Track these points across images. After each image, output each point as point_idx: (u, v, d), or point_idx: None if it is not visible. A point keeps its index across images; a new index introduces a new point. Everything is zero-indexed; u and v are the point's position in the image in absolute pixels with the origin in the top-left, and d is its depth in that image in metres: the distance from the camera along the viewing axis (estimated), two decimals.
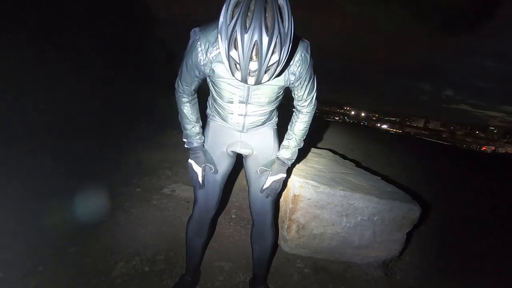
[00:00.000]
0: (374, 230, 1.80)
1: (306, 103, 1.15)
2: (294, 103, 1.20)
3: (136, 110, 4.89)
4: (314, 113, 1.21)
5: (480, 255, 2.34)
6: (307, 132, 1.23)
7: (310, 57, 1.04)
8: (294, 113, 1.22)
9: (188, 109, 1.17)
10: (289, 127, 1.24)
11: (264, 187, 1.21)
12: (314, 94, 1.15)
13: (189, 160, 1.22)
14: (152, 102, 5.31)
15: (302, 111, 1.18)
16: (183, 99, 1.15)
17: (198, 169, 1.21)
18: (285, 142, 1.23)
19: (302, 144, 1.23)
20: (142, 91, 5.71)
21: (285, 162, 1.21)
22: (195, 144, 1.20)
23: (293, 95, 1.16)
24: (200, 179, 1.21)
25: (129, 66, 5.89)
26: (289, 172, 1.84)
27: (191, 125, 1.19)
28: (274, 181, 1.20)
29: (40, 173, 2.34)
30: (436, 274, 1.99)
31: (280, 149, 1.23)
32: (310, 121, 1.21)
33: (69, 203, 1.98)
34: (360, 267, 1.86)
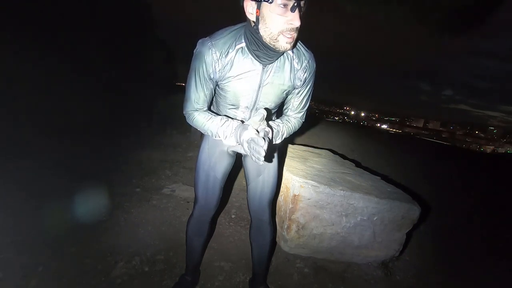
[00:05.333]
0: (373, 230, 1.81)
1: (299, 115, 1.18)
2: (285, 112, 1.19)
3: (136, 110, 4.89)
4: (312, 108, 1.19)
5: (480, 255, 2.34)
6: (290, 133, 1.17)
7: (315, 66, 1.08)
8: (282, 117, 1.21)
9: (201, 115, 1.08)
10: (277, 121, 1.17)
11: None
12: (306, 108, 1.18)
13: (244, 138, 0.95)
14: (152, 102, 5.31)
15: (291, 117, 1.18)
16: (194, 113, 1.08)
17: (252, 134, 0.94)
18: (274, 125, 1.11)
19: (282, 138, 1.15)
20: (142, 91, 5.71)
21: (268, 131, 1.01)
22: (234, 124, 1.03)
23: (286, 106, 1.17)
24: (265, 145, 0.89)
25: (129, 66, 5.89)
26: (281, 167, 1.85)
27: (212, 120, 1.05)
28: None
29: (40, 173, 2.34)
30: (435, 274, 1.99)
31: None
32: (296, 128, 1.19)
33: (69, 203, 1.98)
34: (359, 267, 1.86)
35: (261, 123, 0.98)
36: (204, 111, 1.09)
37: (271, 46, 0.92)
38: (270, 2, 0.85)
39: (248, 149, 0.94)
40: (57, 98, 3.99)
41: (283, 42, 0.90)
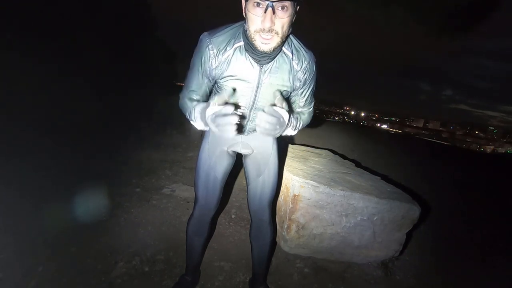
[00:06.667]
0: (373, 230, 1.81)
1: (309, 111, 1.20)
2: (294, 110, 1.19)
3: (136, 110, 4.89)
4: (313, 115, 1.24)
5: (480, 255, 2.34)
6: (305, 124, 1.18)
7: (316, 67, 1.07)
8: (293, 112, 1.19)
9: (190, 100, 1.07)
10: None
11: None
12: (311, 106, 1.19)
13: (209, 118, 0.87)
14: (152, 102, 5.31)
15: (301, 112, 1.19)
16: (185, 98, 1.08)
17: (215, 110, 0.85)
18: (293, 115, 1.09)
19: (299, 127, 1.12)
20: (142, 91, 5.71)
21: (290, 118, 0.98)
22: (202, 105, 0.97)
23: (291, 105, 1.18)
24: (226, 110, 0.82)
25: (129, 66, 5.89)
26: (282, 167, 1.86)
27: (193, 103, 1.05)
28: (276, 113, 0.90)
29: (40, 173, 2.34)
30: (435, 274, 2.00)
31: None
32: (308, 120, 1.22)
33: (69, 203, 1.98)
34: (359, 267, 1.86)
35: (230, 101, 0.88)
36: (195, 99, 1.09)
37: (252, 45, 0.91)
38: (246, 0, 0.86)
39: (215, 126, 0.85)
40: (57, 98, 3.99)
41: (259, 42, 0.89)
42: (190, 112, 1.02)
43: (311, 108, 1.21)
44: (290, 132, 1.06)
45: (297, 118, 1.08)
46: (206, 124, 0.94)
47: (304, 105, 1.16)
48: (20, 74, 3.84)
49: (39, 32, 4.30)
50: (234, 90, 1.04)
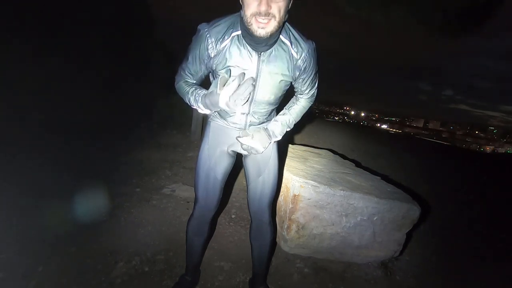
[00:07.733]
0: (374, 230, 1.81)
1: (307, 96, 1.22)
2: (295, 95, 1.25)
3: (136, 110, 4.89)
4: (312, 108, 1.30)
5: (480, 255, 2.34)
6: (300, 117, 1.24)
7: (315, 55, 1.08)
8: (293, 98, 1.26)
9: (186, 83, 1.11)
10: (285, 107, 1.25)
11: (241, 141, 1.10)
12: (314, 90, 1.22)
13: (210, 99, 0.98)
14: (152, 102, 5.31)
15: (301, 98, 1.23)
16: (181, 81, 1.12)
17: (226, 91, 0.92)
18: (277, 117, 1.20)
19: (291, 126, 1.22)
20: (142, 91, 5.70)
21: (270, 135, 1.16)
22: (201, 92, 1.05)
23: (294, 89, 1.21)
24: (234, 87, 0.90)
25: (129, 66, 5.89)
26: (282, 166, 1.90)
27: (190, 88, 1.09)
28: (252, 142, 1.10)
29: (40, 173, 2.34)
30: (435, 274, 2.00)
31: (271, 122, 1.20)
32: (307, 108, 1.25)
33: (69, 203, 1.98)
34: (360, 267, 1.86)
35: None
36: (191, 82, 1.13)
37: (249, 30, 0.92)
38: None
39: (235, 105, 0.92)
40: (57, 98, 3.99)
41: (255, 27, 0.90)
42: (191, 97, 1.05)
43: (312, 93, 1.22)
44: (278, 138, 1.20)
45: (277, 121, 1.18)
46: (208, 108, 1.02)
47: (304, 90, 1.18)
48: (20, 74, 3.84)
49: (39, 32, 4.30)
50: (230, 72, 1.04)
